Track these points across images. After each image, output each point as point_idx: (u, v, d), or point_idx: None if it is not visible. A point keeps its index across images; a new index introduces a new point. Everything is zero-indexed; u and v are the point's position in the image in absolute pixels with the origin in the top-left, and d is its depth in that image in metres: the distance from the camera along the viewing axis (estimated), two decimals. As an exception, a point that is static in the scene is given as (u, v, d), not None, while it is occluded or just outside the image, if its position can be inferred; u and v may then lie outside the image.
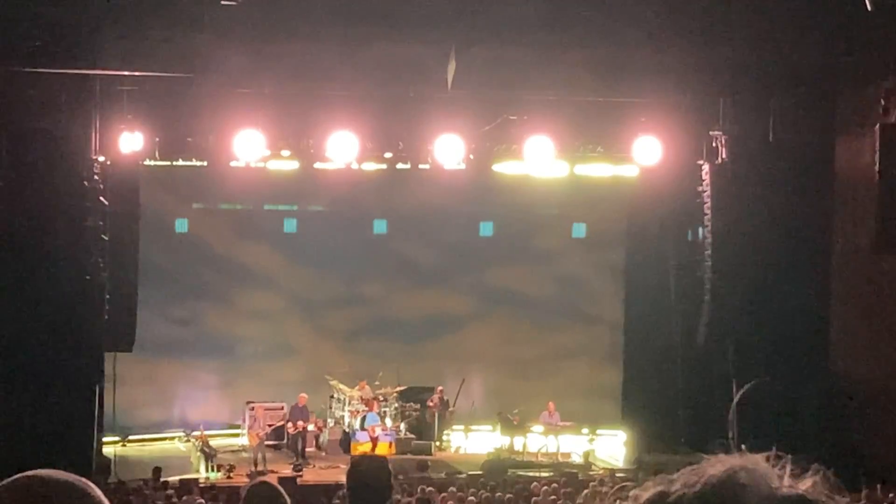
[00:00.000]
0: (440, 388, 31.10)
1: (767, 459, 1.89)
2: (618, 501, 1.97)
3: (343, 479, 25.63)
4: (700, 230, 29.48)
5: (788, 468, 1.89)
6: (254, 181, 29.84)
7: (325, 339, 32.90)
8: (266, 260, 32.93)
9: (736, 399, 17.34)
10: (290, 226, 33.11)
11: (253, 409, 29.15)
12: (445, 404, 30.82)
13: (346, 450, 28.90)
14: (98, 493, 2.52)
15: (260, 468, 26.70)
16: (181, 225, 32.45)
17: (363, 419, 29.20)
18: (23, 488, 2.45)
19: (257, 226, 32.90)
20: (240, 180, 29.44)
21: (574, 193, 31.10)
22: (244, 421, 29.21)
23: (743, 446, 2.05)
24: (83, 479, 2.53)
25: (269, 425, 28.87)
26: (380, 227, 33.11)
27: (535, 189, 30.60)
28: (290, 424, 28.78)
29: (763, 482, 1.85)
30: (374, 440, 28.58)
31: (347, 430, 29.73)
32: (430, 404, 30.68)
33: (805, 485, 1.87)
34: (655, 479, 1.91)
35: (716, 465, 1.88)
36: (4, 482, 2.47)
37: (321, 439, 29.98)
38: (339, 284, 33.13)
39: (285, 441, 28.82)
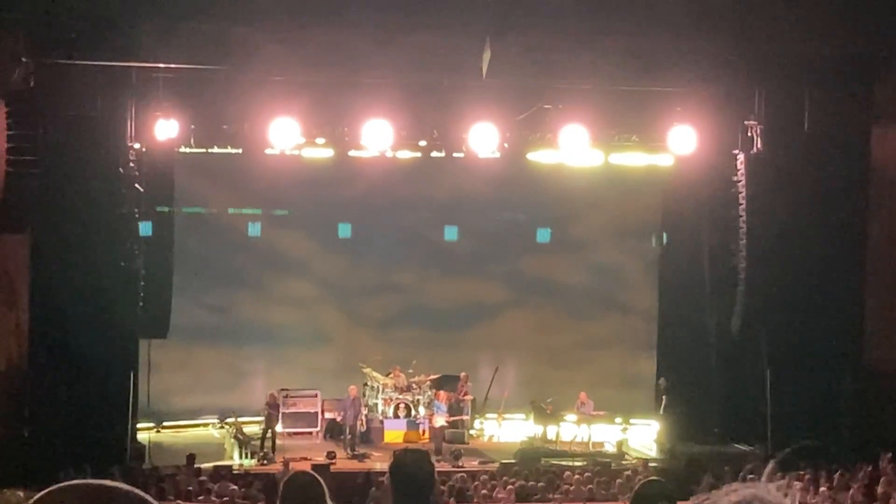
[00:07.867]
0: (464, 373, 31.00)
1: (778, 488, 1.88)
2: None
3: (376, 466, 25.71)
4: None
5: (798, 496, 1.87)
6: (287, 170, 29.78)
7: (359, 326, 32.89)
8: (301, 248, 32.96)
9: None
10: (324, 214, 32.88)
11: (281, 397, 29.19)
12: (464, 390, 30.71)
13: (379, 438, 29.08)
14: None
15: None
16: (215, 211, 32.37)
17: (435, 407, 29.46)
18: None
19: (292, 214, 32.81)
20: (274, 169, 29.42)
21: (608, 182, 30.96)
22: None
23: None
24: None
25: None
26: (414, 215, 32.93)
27: (569, 178, 30.45)
28: (339, 415, 28.67)
29: None
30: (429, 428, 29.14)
31: (381, 418, 29.79)
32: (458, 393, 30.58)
33: None
34: None
35: (729, 495, 1.87)
36: (56, 487, 2.42)
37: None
38: (374, 272, 33.14)
39: (341, 436, 28.50)
